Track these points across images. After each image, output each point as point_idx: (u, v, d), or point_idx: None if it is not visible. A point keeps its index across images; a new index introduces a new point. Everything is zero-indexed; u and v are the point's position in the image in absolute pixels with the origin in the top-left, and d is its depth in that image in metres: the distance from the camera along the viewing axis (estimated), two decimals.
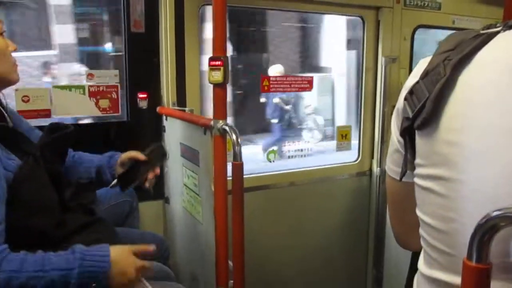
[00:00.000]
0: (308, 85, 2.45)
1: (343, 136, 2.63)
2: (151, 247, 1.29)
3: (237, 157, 1.47)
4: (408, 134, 0.84)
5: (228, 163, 1.57)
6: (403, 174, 0.87)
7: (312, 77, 2.47)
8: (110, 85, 1.98)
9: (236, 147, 1.47)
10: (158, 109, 2.04)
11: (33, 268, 1.08)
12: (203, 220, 1.71)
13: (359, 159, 2.65)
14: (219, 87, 1.52)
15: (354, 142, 2.68)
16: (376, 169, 2.63)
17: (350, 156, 2.69)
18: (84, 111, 1.97)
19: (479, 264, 0.61)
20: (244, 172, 1.51)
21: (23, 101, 1.81)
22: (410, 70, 2.63)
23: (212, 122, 1.54)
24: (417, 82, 0.82)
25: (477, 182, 0.72)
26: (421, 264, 0.89)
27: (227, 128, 1.50)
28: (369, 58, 2.56)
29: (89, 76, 1.96)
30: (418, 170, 0.84)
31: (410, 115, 0.81)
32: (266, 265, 2.35)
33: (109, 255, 1.15)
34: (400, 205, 1.00)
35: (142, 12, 1.98)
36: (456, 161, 0.74)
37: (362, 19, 2.52)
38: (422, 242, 0.87)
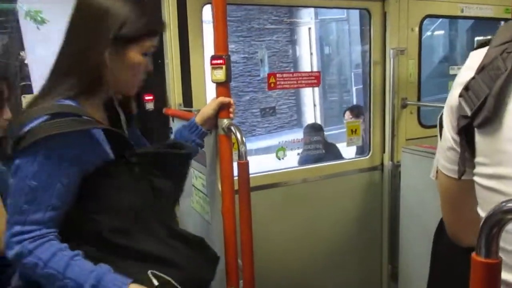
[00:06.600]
0: (315, 80, 2.42)
1: (352, 131, 2.60)
2: None
3: (242, 156, 1.46)
4: (465, 132, 0.81)
5: (235, 162, 1.56)
6: (461, 173, 0.84)
7: (319, 72, 2.44)
8: None
9: (241, 146, 1.45)
10: (164, 110, 2.03)
11: (56, 267, 1.07)
12: (212, 220, 1.70)
13: (370, 153, 2.62)
14: (222, 86, 1.51)
15: None
16: (388, 163, 2.59)
17: None
18: None
19: (488, 259, 0.59)
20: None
21: None
22: (419, 61, 2.59)
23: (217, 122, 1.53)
24: (473, 78, 0.78)
25: None
26: None
27: (232, 127, 1.49)
28: (377, 51, 2.52)
29: None
30: (479, 169, 0.81)
31: (469, 113, 0.77)
32: (277, 263, 2.33)
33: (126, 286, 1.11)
34: (455, 203, 0.97)
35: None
36: None
37: (368, 11, 2.48)
38: None
